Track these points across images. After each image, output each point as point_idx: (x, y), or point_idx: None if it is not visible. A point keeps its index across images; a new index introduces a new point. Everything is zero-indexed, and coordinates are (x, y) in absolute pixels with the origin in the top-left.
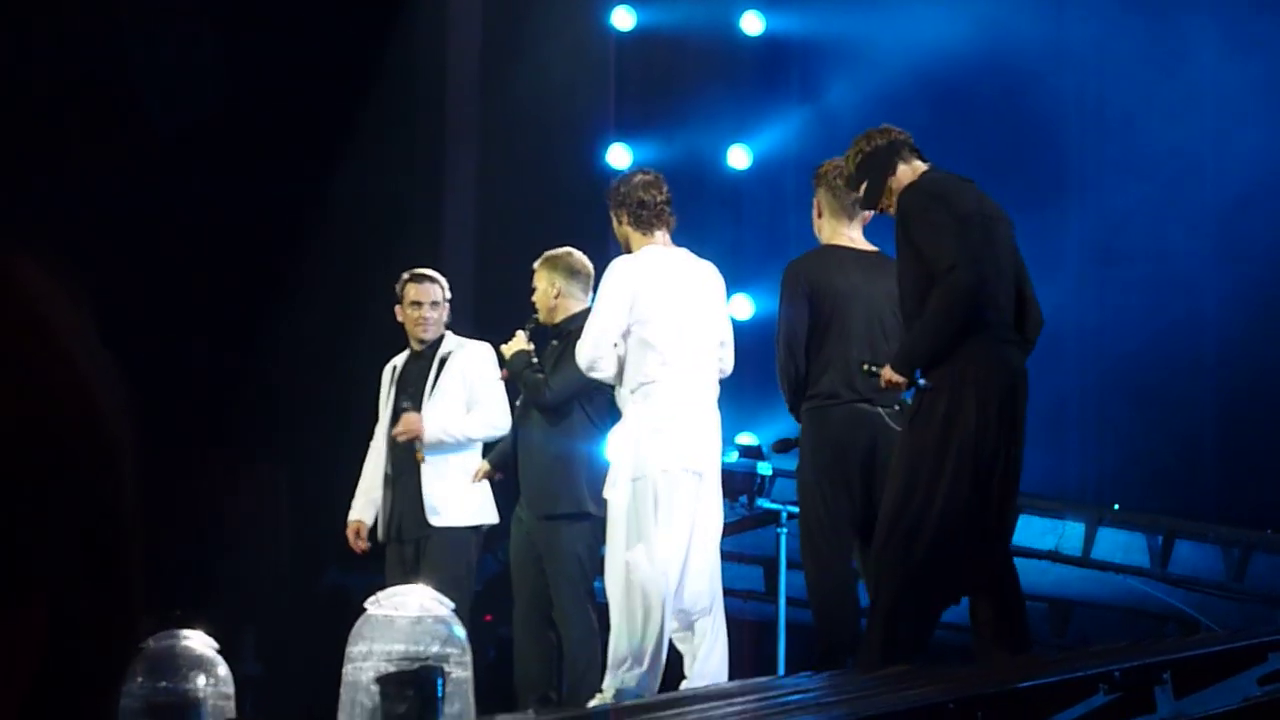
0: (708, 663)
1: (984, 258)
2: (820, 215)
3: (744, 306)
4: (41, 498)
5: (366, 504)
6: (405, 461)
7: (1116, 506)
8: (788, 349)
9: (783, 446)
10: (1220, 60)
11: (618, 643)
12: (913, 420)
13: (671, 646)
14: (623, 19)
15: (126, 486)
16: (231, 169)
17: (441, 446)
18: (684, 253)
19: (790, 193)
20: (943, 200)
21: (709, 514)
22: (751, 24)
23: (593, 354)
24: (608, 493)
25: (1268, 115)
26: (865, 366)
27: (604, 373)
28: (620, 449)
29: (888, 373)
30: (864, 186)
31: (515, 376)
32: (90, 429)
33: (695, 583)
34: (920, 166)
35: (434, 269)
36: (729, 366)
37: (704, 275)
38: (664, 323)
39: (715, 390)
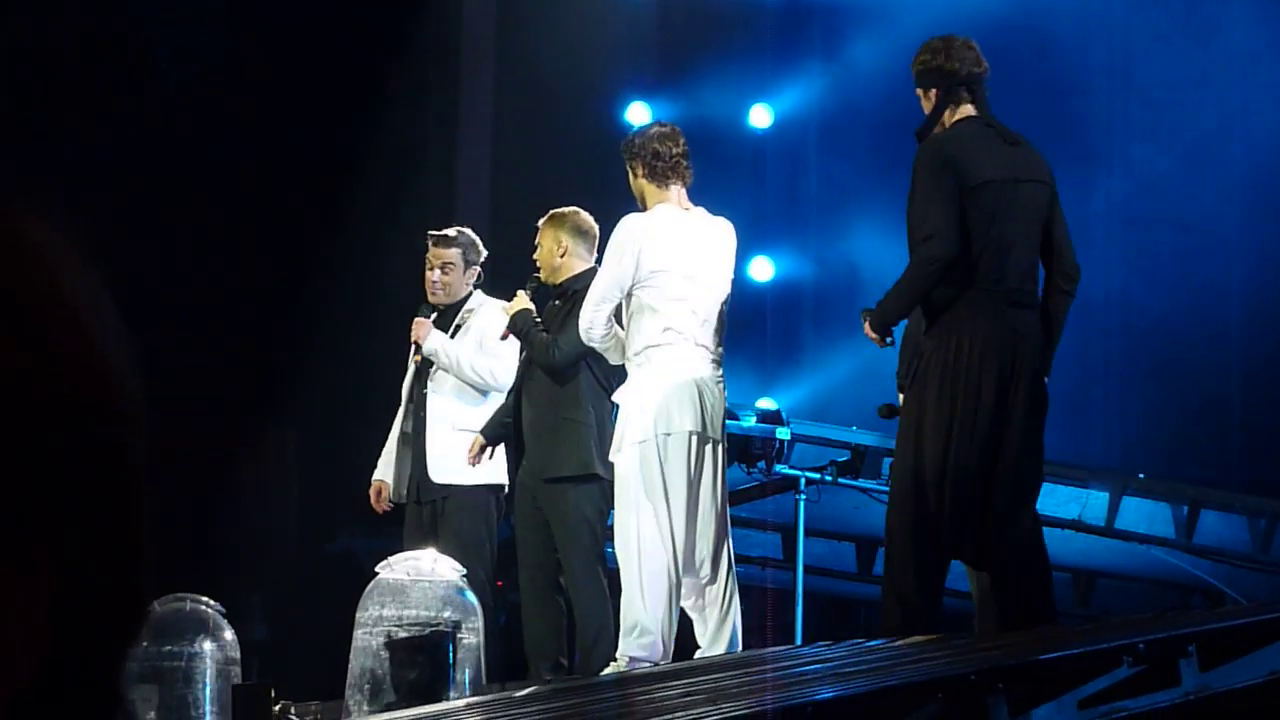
0: (721, 631)
1: (987, 232)
2: None
3: (765, 268)
4: (48, 458)
5: (388, 464)
6: (423, 421)
7: (1141, 475)
8: None
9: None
10: (1250, 27)
11: (629, 610)
12: (911, 386)
13: (685, 614)
14: None
15: (135, 448)
16: (241, 128)
17: (435, 359)
18: (699, 211)
19: (812, 152)
20: (956, 165)
21: (716, 478)
22: None
23: (592, 317)
24: (613, 457)
25: None
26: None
27: (598, 341)
28: (625, 412)
29: (866, 326)
30: (924, 101)
31: (520, 336)
32: (99, 389)
33: (704, 548)
34: (965, 110)
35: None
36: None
37: (717, 234)
38: (669, 286)
39: (721, 352)
